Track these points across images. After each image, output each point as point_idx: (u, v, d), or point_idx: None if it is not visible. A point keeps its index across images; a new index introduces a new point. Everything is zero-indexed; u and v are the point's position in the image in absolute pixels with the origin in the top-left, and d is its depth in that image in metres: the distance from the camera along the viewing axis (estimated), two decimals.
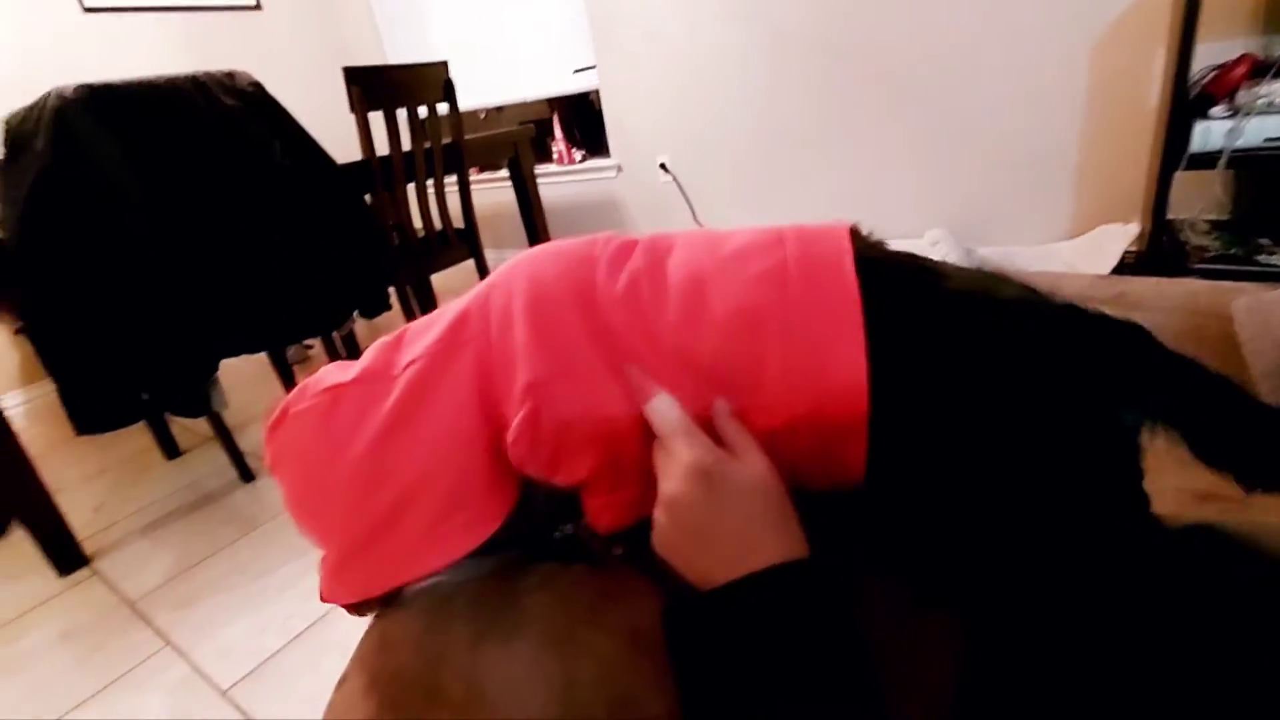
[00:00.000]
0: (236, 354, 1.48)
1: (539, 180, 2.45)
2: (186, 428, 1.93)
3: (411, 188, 1.94)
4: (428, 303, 2.32)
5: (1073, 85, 1.80)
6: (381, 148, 1.80)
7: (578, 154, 2.91)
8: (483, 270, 2.24)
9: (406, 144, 1.86)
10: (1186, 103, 1.45)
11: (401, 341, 0.46)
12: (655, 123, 2.56)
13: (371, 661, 0.37)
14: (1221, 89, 1.48)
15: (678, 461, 0.35)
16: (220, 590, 1.24)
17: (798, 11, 2.13)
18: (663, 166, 2.60)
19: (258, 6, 3.01)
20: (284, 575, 1.26)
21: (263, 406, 2.07)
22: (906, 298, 0.37)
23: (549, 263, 0.44)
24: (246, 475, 1.62)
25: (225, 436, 1.58)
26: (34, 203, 1.18)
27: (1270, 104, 1.36)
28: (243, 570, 1.29)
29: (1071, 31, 1.75)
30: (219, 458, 1.66)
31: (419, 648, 0.37)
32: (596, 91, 2.71)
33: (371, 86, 1.75)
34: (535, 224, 2.46)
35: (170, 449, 1.81)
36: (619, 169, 2.74)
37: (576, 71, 2.72)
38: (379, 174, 1.81)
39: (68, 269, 1.22)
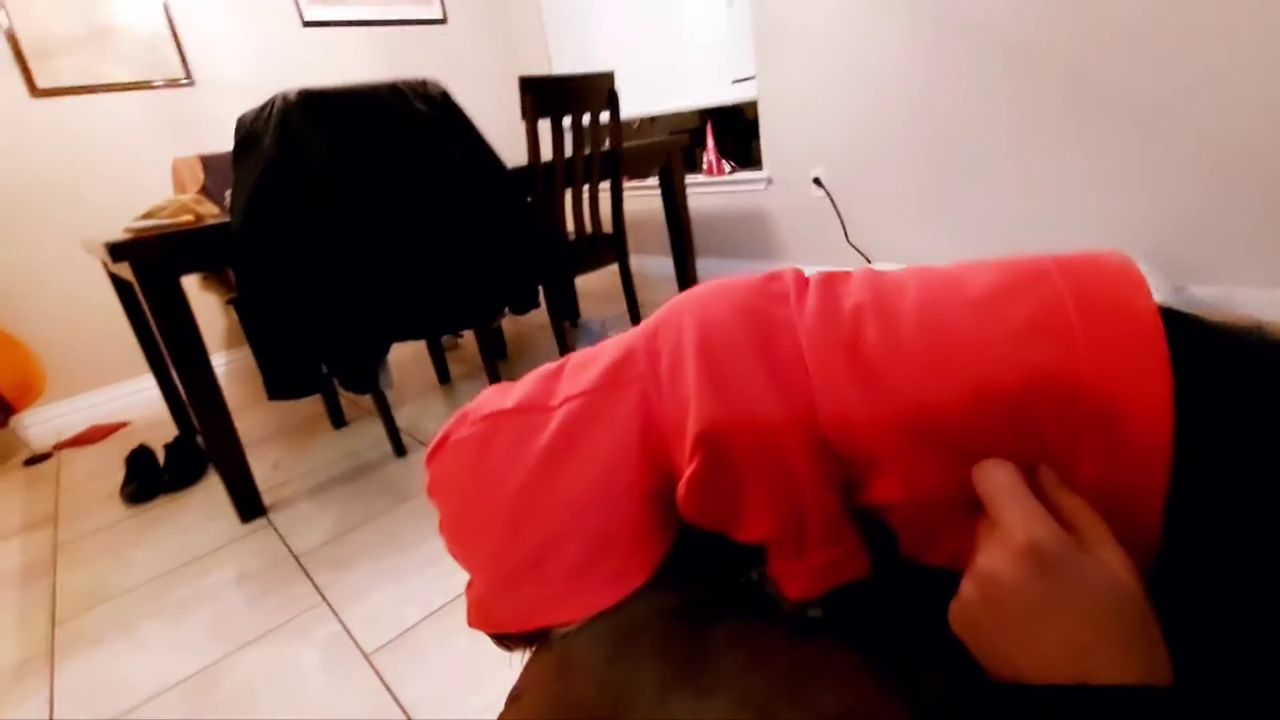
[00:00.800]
0: (405, 339, 1.60)
1: (687, 189, 2.46)
2: (352, 401, 2.13)
3: (568, 192, 2.02)
4: (571, 303, 2.40)
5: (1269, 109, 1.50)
6: (545, 153, 1.88)
7: (727, 165, 2.88)
8: (626, 274, 2.27)
9: (568, 150, 1.94)
10: None
11: (563, 372, 0.45)
12: (811, 135, 2.48)
13: (550, 686, 0.36)
14: None
15: (1008, 536, 0.29)
16: (372, 557, 1.34)
17: (978, 24, 1.96)
18: (816, 181, 2.51)
19: (444, 20, 3.27)
20: (426, 551, 1.33)
21: (416, 388, 2.24)
22: (1209, 351, 0.30)
23: (722, 299, 0.41)
24: (400, 450, 1.74)
25: (386, 413, 1.71)
26: (258, 193, 1.34)
27: None
28: (391, 541, 1.38)
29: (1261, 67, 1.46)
30: (377, 431, 1.81)
31: (603, 683, 0.35)
32: (750, 103, 2.67)
33: (544, 95, 1.83)
34: (682, 232, 2.47)
35: (338, 419, 2.00)
36: (769, 181, 2.68)
37: (735, 82, 2.69)
38: (541, 178, 1.89)
39: (277, 253, 1.37)
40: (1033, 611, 0.28)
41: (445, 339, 2.51)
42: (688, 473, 0.36)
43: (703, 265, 2.71)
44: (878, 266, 2.33)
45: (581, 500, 0.39)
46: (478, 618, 0.43)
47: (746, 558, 0.44)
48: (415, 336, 1.63)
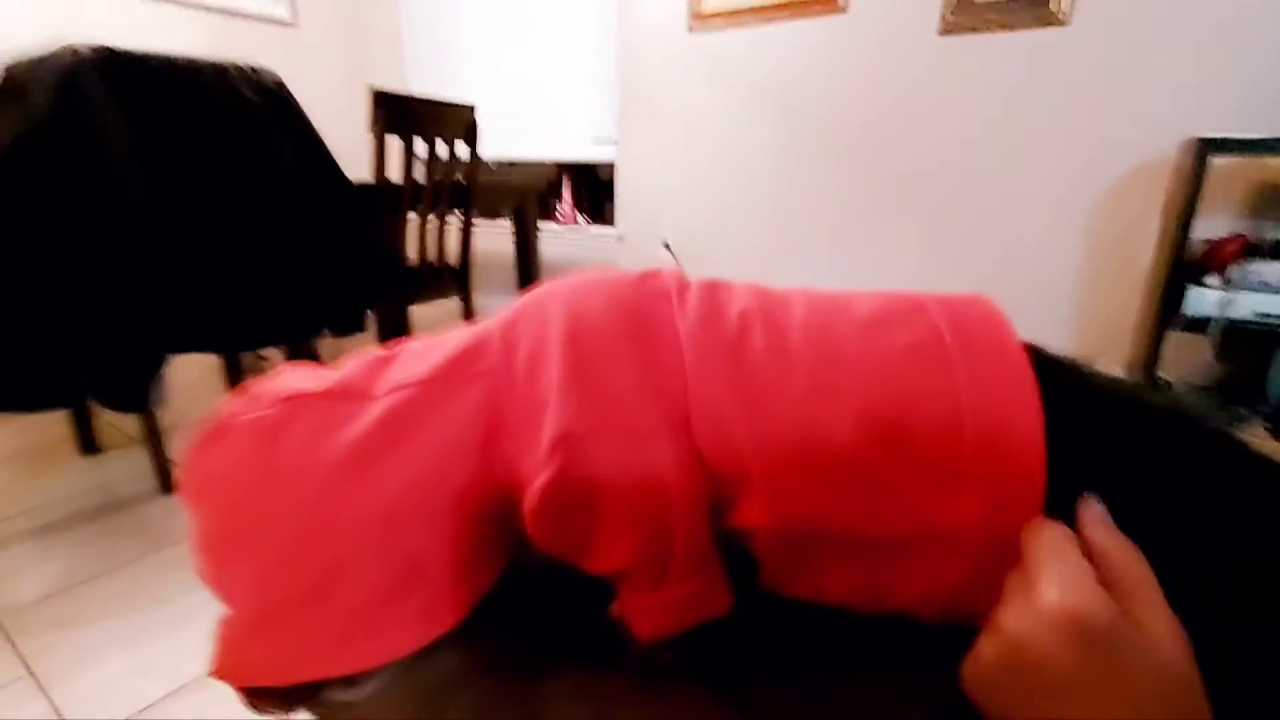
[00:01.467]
0: (193, 350, 1.36)
1: (540, 236, 2.44)
2: (111, 423, 1.75)
3: (413, 218, 1.90)
4: (402, 331, 2.23)
5: (1073, 233, 1.88)
6: (393, 174, 1.76)
7: (581, 218, 2.93)
8: (468, 310, 2.17)
9: (419, 175, 1.84)
10: (1182, 268, 1.52)
11: (394, 360, 0.38)
12: (664, 200, 2.60)
13: None
14: (1213, 262, 1.56)
15: (1045, 599, 0.25)
16: (107, 614, 1.07)
17: (822, 117, 2.22)
18: (665, 245, 2.62)
19: (293, 23, 3.03)
20: (185, 607, 1.10)
21: (199, 414, 1.91)
22: (1069, 393, 0.31)
23: (595, 290, 0.37)
24: (167, 485, 1.45)
25: (154, 439, 1.42)
26: (15, 152, 1.09)
27: (1262, 282, 1.43)
28: (138, 593, 1.12)
29: (1079, 182, 1.85)
30: (140, 462, 1.49)
31: None
32: (607, 164, 2.76)
33: (398, 112, 1.73)
34: (530, 275, 2.43)
35: (88, 443, 1.63)
36: (621, 238, 2.76)
37: (596, 141, 2.77)
38: (385, 196, 1.76)
39: (26, 225, 1.11)
40: (1065, 687, 0.24)
41: (248, 357, 2.19)
42: (540, 482, 0.31)
43: None
44: None
45: (392, 511, 0.31)
46: (227, 664, 0.33)
47: (587, 592, 0.39)
48: (207, 347, 1.40)
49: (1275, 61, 1.56)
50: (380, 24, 3.30)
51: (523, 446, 0.33)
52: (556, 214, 2.97)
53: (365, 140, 1.69)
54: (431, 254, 1.99)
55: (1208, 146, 1.42)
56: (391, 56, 3.31)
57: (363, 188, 1.72)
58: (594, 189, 3.15)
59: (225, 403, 0.35)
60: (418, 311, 2.13)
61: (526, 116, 2.95)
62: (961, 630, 0.29)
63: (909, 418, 0.30)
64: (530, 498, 0.31)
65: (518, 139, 2.99)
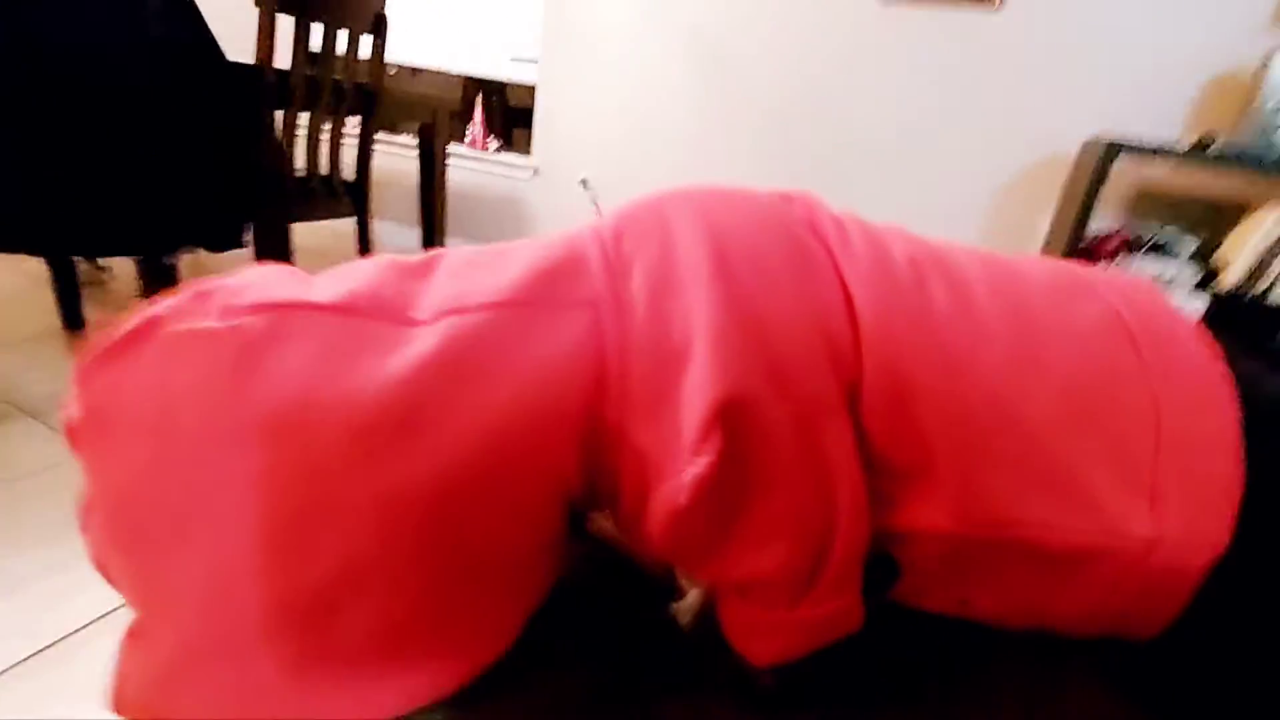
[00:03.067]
0: (17, 249, 1.09)
1: (447, 158, 2.22)
2: None
3: (303, 122, 1.63)
4: (282, 253, 1.95)
5: (976, 214, 1.98)
6: (280, 62, 1.49)
7: (493, 143, 2.70)
8: (364, 233, 1.94)
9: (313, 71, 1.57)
10: (1077, 259, 1.64)
11: (433, 271, 0.27)
12: (585, 135, 2.45)
13: None
14: (1096, 256, 1.70)
15: None
16: None
17: (756, 70, 2.16)
18: (582, 183, 2.48)
19: None
20: (16, 569, 0.90)
21: (20, 332, 1.57)
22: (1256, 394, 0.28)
23: (736, 205, 0.28)
24: None
25: None
26: None
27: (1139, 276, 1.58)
28: None
29: (989, 165, 1.94)
30: None
31: None
32: (518, 86, 2.55)
33: None
34: (433, 202, 2.21)
35: None
36: (535, 171, 2.58)
37: (515, 60, 2.54)
38: (271, 89, 1.49)
39: None
40: None
41: (84, 267, 1.83)
42: (698, 469, 0.22)
43: (451, 243, 2.47)
44: None
45: (446, 490, 0.21)
46: (138, 702, 0.22)
47: (637, 600, 0.32)
48: (33, 247, 1.13)
49: (1169, 68, 1.69)
50: None
51: (650, 411, 0.24)
52: (465, 136, 2.71)
53: (244, 21, 1.41)
54: (324, 166, 1.73)
55: (1114, 149, 1.52)
56: None
57: (244, 71, 1.44)
58: (507, 116, 2.92)
59: (144, 304, 0.23)
60: (302, 232, 1.87)
61: (437, 20, 2.64)
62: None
63: (1113, 403, 0.26)
64: (682, 487, 0.23)
65: (425, 44, 2.67)
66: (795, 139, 2.16)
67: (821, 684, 0.28)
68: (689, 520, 0.23)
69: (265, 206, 1.58)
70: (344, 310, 0.23)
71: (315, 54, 1.57)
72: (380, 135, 2.80)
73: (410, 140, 2.56)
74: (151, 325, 0.22)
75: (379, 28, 1.71)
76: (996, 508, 0.25)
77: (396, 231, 2.86)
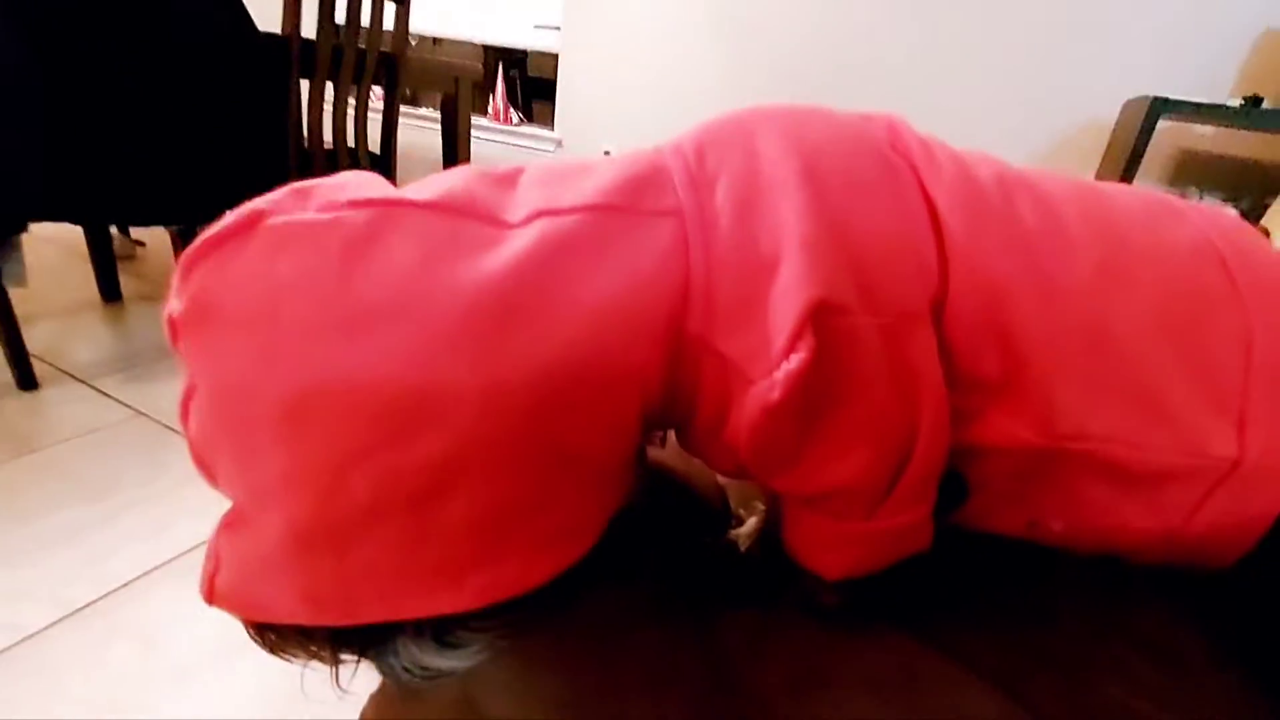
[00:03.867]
0: (54, 219, 1.11)
1: (471, 133, 2.21)
2: None
3: (329, 96, 1.63)
4: None
5: None
6: (308, 31, 1.49)
7: (515, 115, 2.69)
8: None
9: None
10: None
11: (517, 181, 0.27)
12: (608, 106, 2.42)
13: None
14: None
15: None
16: None
17: (777, 35, 2.12)
18: (606, 154, 2.46)
19: None
20: (62, 524, 0.93)
21: (60, 303, 1.61)
22: None
23: (822, 121, 0.28)
24: (27, 380, 1.22)
25: (9, 327, 1.18)
26: None
27: None
28: (2, 509, 0.94)
29: (1025, 134, 1.89)
30: None
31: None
32: (543, 56, 2.52)
33: None
34: None
35: None
36: (559, 143, 2.56)
37: (538, 27, 2.51)
38: (300, 59, 1.49)
39: None
40: None
41: (119, 239, 1.87)
42: (791, 367, 0.22)
43: None
44: None
45: (548, 382, 0.22)
46: (235, 590, 0.23)
47: (698, 521, 0.32)
48: (76, 216, 1.15)
49: (1216, 23, 1.62)
50: None
51: (736, 321, 0.24)
52: (489, 108, 2.70)
53: None
54: (350, 139, 1.74)
55: (1158, 105, 1.46)
56: None
57: (273, 41, 1.44)
58: (529, 88, 2.89)
59: (245, 205, 0.24)
60: None
61: None
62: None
63: (1203, 324, 0.25)
64: (771, 386, 0.23)
65: (446, 13, 2.65)
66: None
67: (884, 603, 0.28)
68: (779, 419, 0.24)
69: (299, 177, 1.59)
70: (442, 209, 0.24)
71: (339, 25, 1.57)
72: (403, 109, 2.81)
73: (433, 113, 2.56)
74: (253, 219, 0.23)
75: None
76: (1080, 421, 0.25)
77: None
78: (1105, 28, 1.73)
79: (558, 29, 2.43)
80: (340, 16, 1.55)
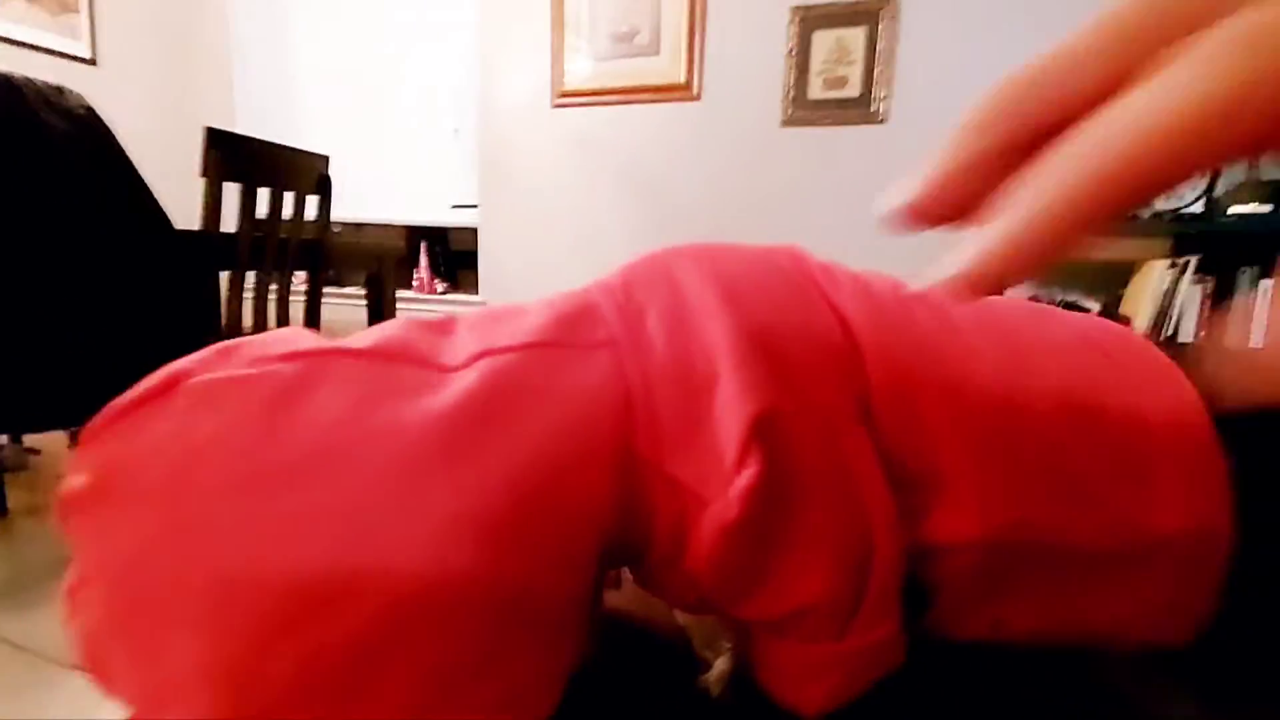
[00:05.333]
0: None
1: (396, 304, 2.26)
2: None
3: (253, 283, 1.66)
4: None
5: None
6: (228, 226, 1.53)
7: (439, 285, 2.78)
8: None
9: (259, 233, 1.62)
10: None
11: (453, 329, 0.28)
12: (530, 266, 2.56)
13: None
14: None
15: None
16: None
17: (679, 197, 2.34)
18: None
19: (93, 61, 2.63)
20: None
21: None
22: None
23: (728, 253, 0.31)
24: None
25: None
26: None
27: None
28: None
29: (889, 268, 2.10)
30: None
31: None
32: (461, 231, 2.68)
33: (237, 157, 1.53)
34: None
35: None
36: (484, 305, 2.65)
37: (455, 207, 2.69)
38: (217, 252, 1.52)
39: None
40: None
41: (10, 448, 1.73)
42: (742, 483, 0.22)
43: None
44: None
45: (497, 523, 0.20)
46: None
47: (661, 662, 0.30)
48: None
49: None
50: (205, 68, 2.98)
51: (682, 441, 0.24)
52: (412, 282, 2.79)
53: (189, 193, 1.47)
54: (272, 324, 1.74)
55: None
56: (220, 105, 2.99)
57: (190, 237, 1.47)
58: (450, 259, 3.03)
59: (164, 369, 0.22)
60: None
61: (377, 177, 2.79)
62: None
63: (1102, 402, 0.27)
64: (726, 505, 0.23)
65: (366, 200, 2.80)
66: None
67: None
68: (739, 537, 0.23)
69: None
70: (378, 355, 0.23)
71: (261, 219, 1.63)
72: (328, 289, 2.85)
73: (358, 291, 2.62)
74: (172, 379, 0.21)
75: (323, 188, 1.79)
76: (1018, 511, 0.26)
77: None
78: None
79: (474, 207, 2.61)
80: (262, 210, 1.61)
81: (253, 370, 0.22)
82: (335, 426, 0.21)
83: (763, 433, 0.24)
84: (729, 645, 0.30)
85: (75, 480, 0.21)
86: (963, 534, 0.26)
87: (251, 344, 0.24)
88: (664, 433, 0.25)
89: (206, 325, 1.49)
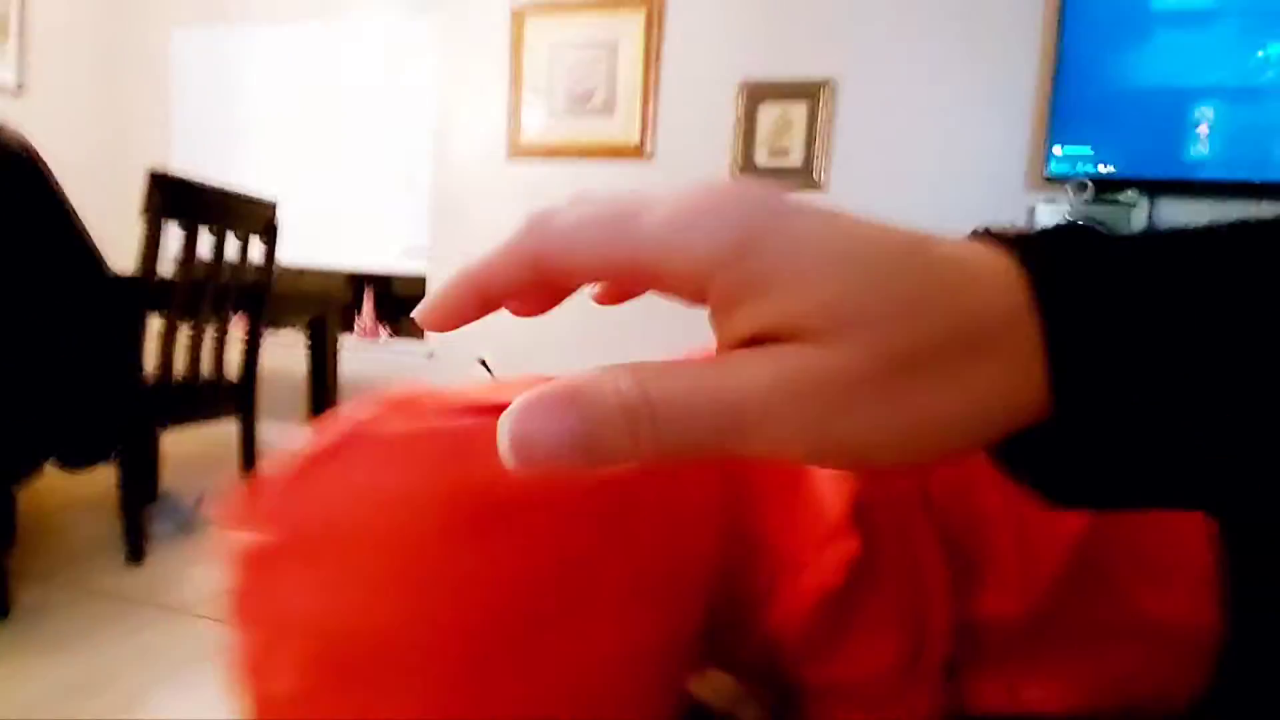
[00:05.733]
0: None
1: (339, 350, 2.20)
2: None
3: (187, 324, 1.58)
4: (149, 463, 1.76)
5: None
6: (166, 268, 1.47)
7: (384, 331, 2.72)
8: (249, 435, 1.81)
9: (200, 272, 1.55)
10: None
11: None
12: (480, 319, 2.54)
13: None
14: None
15: None
16: None
17: None
18: (482, 363, 2.52)
19: (19, 88, 2.50)
20: None
21: None
22: None
23: None
24: None
25: None
26: None
27: None
28: None
29: None
30: None
31: None
32: (407, 278, 2.65)
33: (182, 199, 1.48)
34: (326, 396, 2.14)
35: None
36: (431, 355, 2.60)
37: (404, 251, 2.65)
38: (152, 296, 1.45)
39: None
40: None
41: None
42: (847, 555, 0.24)
43: None
44: None
45: (639, 586, 0.22)
46: None
47: None
48: None
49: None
50: (142, 101, 2.87)
51: (780, 511, 0.26)
52: (355, 327, 2.71)
53: (121, 229, 1.41)
54: (207, 368, 1.65)
55: None
56: (157, 140, 2.88)
57: (124, 282, 1.40)
58: (394, 305, 2.98)
59: (328, 419, 0.22)
60: (180, 439, 1.71)
61: (321, 221, 2.73)
62: None
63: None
64: (826, 574, 0.24)
65: (310, 244, 2.72)
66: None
67: None
68: (832, 604, 0.25)
69: (141, 414, 1.45)
70: None
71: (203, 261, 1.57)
72: (266, 333, 2.74)
73: (298, 335, 2.52)
74: (353, 435, 0.21)
75: (269, 233, 1.74)
76: (1052, 588, 0.28)
77: (279, 430, 2.68)
78: None
79: (423, 252, 2.59)
80: (205, 252, 1.55)
81: (437, 424, 0.22)
82: (510, 488, 0.21)
83: (865, 512, 0.26)
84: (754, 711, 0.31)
85: (256, 535, 0.20)
86: (1007, 611, 0.28)
87: (426, 398, 0.25)
88: (768, 505, 0.26)
89: (132, 370, 1.41)
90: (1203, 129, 1.80)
